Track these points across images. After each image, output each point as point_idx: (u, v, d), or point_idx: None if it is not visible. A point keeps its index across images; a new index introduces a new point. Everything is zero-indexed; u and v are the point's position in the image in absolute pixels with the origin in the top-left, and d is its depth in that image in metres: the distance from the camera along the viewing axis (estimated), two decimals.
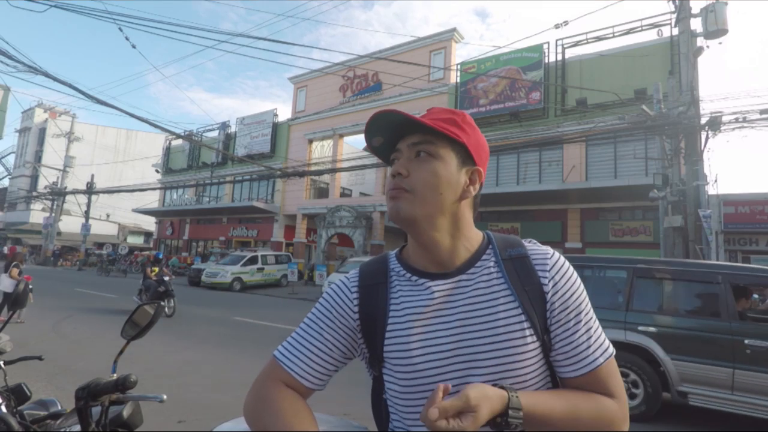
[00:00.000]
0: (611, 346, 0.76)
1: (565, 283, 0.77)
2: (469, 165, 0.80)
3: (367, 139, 0.82)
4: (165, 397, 1.29)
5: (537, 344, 0.73)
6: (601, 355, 0.74)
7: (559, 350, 0.75)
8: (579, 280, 0.79)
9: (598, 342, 0.75)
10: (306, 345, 0.80)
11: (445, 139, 0.78)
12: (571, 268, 0.79)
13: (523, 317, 0.73)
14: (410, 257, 0.83)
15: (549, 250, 0.81)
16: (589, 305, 0.78)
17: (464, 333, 0.73)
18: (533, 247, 0.82)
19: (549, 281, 0.76)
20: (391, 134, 0.81)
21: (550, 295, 0.75)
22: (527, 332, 0.73)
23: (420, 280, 0.79)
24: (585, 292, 0.78)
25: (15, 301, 1.71)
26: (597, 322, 0.77)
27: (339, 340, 0.80)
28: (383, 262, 0.86)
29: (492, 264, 0.79)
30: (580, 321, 0.75)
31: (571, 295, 0.76)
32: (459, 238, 0.79)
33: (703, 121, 10.32)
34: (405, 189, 0.76)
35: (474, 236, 0.82)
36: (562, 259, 0.80)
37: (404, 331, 0.75)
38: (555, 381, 0.78)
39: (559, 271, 0.77)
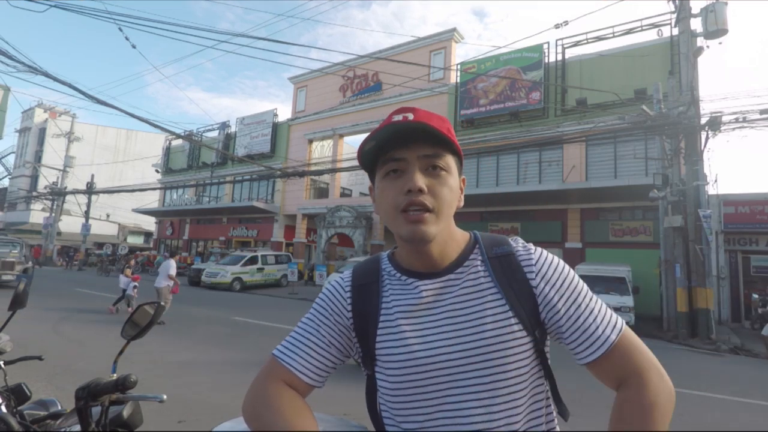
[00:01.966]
0: (621, 320, 0.77)
1: (553, 273, 0.78)
2: (460, 172, 0.83)
3: (364, 143, 0.77)
4: (165, 397, 1.29)
5: (527, 340, 0.74)
6: (611, 332, 0.74)
7: (569, 338, 0.76)
8: (568, 267, 0.81)
9: (605, 320, 0.75)
10: (304, 341, 0.81)
11: (450, 150, 0.78)
12: (557, 259, 0.81)
13: (510, 314, 0.74)
14: (402, 258, 0.84)
15: (532, 247, 0.83)
16: (586, 288, 0.79)
17: (452, 331, 0.74)
18: (517, 244, 0.83)
19: (536, 275, 0.78)
20: (385, 139, 0.76)
21: (540, 289, 0.77)
22: (515, 328, 0.74)
23: (409, 279, 0.80)
24: (578, 278, 0.79)
25: (15, 300, 1.71)
26: (600, 302, 0.78)
27: (335, 337, 0.82)
28: (375, 263, 0.88)
29: (479, 263, 0.81)
30: (580, 305, 0.76)
31: (563, 283, 0.78)
32: (449, 241, 0.81)
33: (703, 121, 10.33)
34: (429, 209, 0.74)
35: (460, 236, 0.84)
36: (545, 252, 0.82)
37: (394, 329, 0.77)
38: (549, 375, 0.79)
39: (545, 264, 0.79)
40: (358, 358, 0.84)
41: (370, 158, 0.80)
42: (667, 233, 11.00)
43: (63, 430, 1.35)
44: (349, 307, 0.83)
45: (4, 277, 13.45)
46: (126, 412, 1.28)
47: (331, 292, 0.86)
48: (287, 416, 0.72)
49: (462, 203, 0.82)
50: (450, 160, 0.78)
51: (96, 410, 1.23)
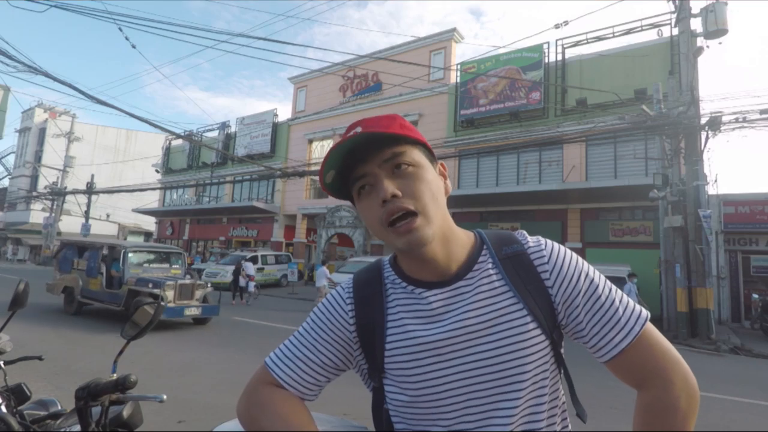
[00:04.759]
0: (644, 311, 0.73)
1: (568, 269, 0.75)
2: (433, 161, 0.77)
3: (323, 176, 0.73)
4: (165, 397, 1.29)
5: (546, 344, 0.72)
6: (635, 323, 0.71)
7: (589, 333, 0.73)
8: (580, 259, 0.77)
9: (628, 311, 0.72)
10: (298, 355, 0.78)
11: (410, 143, 0.73)
12: (569, 253, 0.77)
13: (528, 318, 0.71)
14: (406, 267, 0.79)
15: (541, 240, 0.79)
16: (602, 278, 0.76)
17: (470, 340, 0.71)
18: (526, 240, 0.80)
19: (550, 274, 0.74)
20: (340, 163, 0.72)
21: (556, 288, 0.74)
22: (534, 333, 0.71)
23: (417, 289, 0.76)
24: (593, 269, 0.76)
25: (15, 300, 1.71)
26: (621, 293, 0.75)
27: (333, 352, 0.78)
28: (377, 270, 0.83)
29: (490, 266, 0.76)
30: (600, 297, 0.73)
31: (579, 277, 0.74)
32: (452, 241, 0.76)
33: (703, 121, 10.33)
34: (413, 211, 0.69)
35: (464, 236, 0.79)
36: (556, 246, 0.78)
37: (405, 341, 0.73)
38: (567, 376, 0.77)
39: (558, 260, 0.75)
40: (360, 371, 0.81)
41: (339, 188, 0.76)
42: (667, 233, 10.99)
43: (63, 430, 1.35)
44: (352, 321, 0.78)
45: (188, 312, 8.65)
46: (126, 412, 1.28)
47: (332, 304, 0.81)
48: (285, 417, 0.70)
49: (450, 189, 0.78)
50: (415, 154, 0.73)
51: (96, 410, 1.23)
